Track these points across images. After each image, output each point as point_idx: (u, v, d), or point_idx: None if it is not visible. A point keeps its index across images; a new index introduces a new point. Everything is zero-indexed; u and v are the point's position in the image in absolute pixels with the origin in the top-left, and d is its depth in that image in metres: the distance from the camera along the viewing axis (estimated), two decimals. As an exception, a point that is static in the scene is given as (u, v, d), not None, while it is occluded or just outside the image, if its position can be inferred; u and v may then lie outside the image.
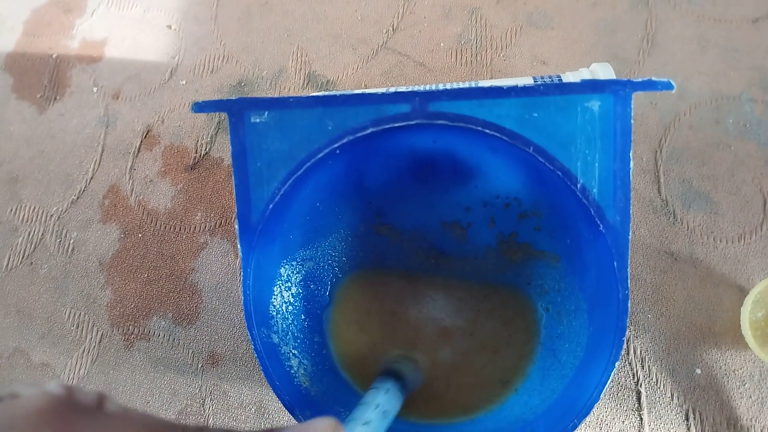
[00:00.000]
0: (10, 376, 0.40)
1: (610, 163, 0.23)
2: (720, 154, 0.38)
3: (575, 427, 0.25)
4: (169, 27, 0.48)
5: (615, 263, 0.24)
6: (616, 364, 0.24)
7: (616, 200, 0.23)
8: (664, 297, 0.36)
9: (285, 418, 0.36)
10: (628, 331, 0.35)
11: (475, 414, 0.31)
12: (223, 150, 0.43)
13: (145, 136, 0.44)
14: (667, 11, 0.42)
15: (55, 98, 0.47)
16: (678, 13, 0.42)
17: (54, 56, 0.48)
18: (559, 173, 0.24)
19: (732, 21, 0.41)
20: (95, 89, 0.47)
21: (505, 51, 0.43)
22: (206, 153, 0.43)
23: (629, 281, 0.36)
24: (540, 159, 0.24)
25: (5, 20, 0.51)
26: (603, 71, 0.34)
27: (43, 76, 0.48)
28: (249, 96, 0.43)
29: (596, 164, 0.23)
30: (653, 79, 0.22)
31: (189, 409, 0.37)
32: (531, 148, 0.24)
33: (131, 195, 0.43)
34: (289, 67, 0.45)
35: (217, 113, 0.44)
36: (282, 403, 0.28)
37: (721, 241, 0.36)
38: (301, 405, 0.29)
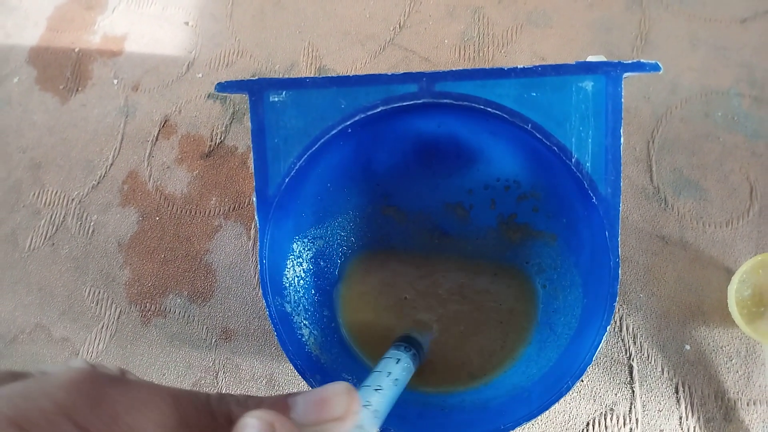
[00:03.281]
0: (31, 350, 0.42)
1: (602, 139, 0.25)
2: (709, 144, 0.40)
3: (569, 388, 0.27)
4: (187, 23, 0.50)
5: (606, 233, 0.26)
6: (608, 328, 0.26)
7: (607, 174, 0.25)
8: (656, 278, 0.38)
9: (295, 389, 0.38)
10: (621, 309, 0.37)
11: (477, 384, 0.33)
12: (237, 139, 0.45)
13: (163, 126, 0.47)
14: (659, 11, 0.44)
15: (77, 90, 0.49)
16: (670, 13, 0.44)
17: (76, 50, 0.51)
18: (555, 149, 0.26)
19: (721, 21, 0.43)
20: (116, 81, 0.49)
21: (506, 48, 0.45)
22: (221, 141, 0.45)
23: (623, 263, 0.38)
24: (537, 135, 0.26)
25: (29, 16, 0.53)
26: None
27: (65, 69, 0.50)
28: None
29: (589, 140, 0.25)
30: (642, 61, 0.24)
31: (203, 381, 0.39)
32: (529, 125, 0.26)
33: (149, 180, 0.45)
34: (301, 61, 0.47)
35: (232, 105, 0.46)
36: (294, 367, 0.30)
37: (709, 225, 0.38)
38: (312, 370, 0.30)
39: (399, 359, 0.28)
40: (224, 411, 0.17)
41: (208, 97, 0.47)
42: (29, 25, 0.53)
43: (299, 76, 0.47)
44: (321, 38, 0.48)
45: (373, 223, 0.37)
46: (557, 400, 0.27)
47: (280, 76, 0.47)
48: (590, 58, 0.37)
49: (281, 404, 0.18)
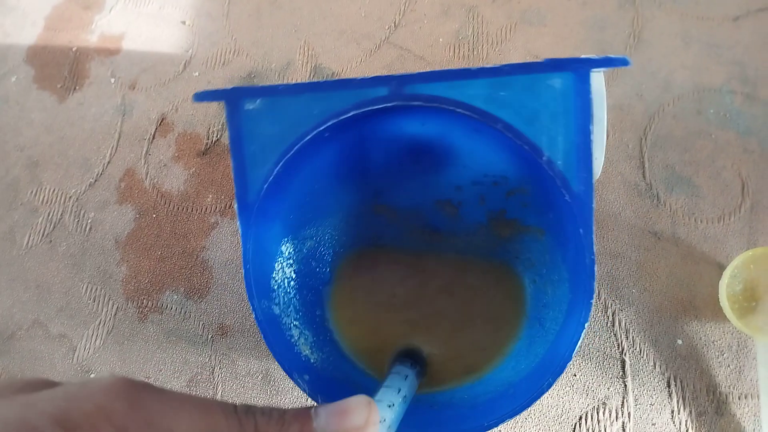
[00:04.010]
0: (29, 347, 0.42)
1: (572, 136, 0.25)
2: (701, 141, 0.41)
3: (550, 385, 0.27)
4: (183, 23, 0.50)
5: (581, 230, 0.26)
6: (585, 325, 0.26)
7: (579, 171, 0.25)
8: (648, 273, 0.38)
9: (290, 386, 0.39)
10: (613, 304, 0.38)
11: (470, 379, 0.33)
12: (234, 137, 0.45)
13: (160, 124, 0.47)
14: (652, 10, 0.45)
15: (75, 88, 0.50)
16: (663, 11, 0.45)
17: (74, 49, 0.51)
18: (527, 147, 0.26)
19: (714, 19, 0.44)
20: (113, 80, 0.49)
21: (500, 46, 0.45)
22: (217, 140, 0.46)
23: (616, 258, 0.38)
24: (508, 135, 0.26)
25: (27, 15, 0.53)
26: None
27: (63, 68, 0.51)
28: (254, 85, 0.46)
29: (560, 138, 0.25)
30: (610, 56, 0.25)
31: (199, 377, 0.39)
32: (499, 125, 0.26)
33: (146, 178, 0.45)
34: (297, 60, 0.47)
35: (228, 103, 0.47)
36: (282, 367, 0.30)
37: (701, 221, 0.39)
38: (300, 370, 0.30)
39: (407, 375, 0.29)
40: (251, 421, 0.18)
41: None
42: (27, 25, 0.53)
43: (295, 73, 0.47)
44: (317, 37, 0.48)
45: (364, 221, 0.38)
46: (539, 396, 0.27)
47: (276, 74, 0.47)
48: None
49: (304, 416, 0.19)
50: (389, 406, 0.25)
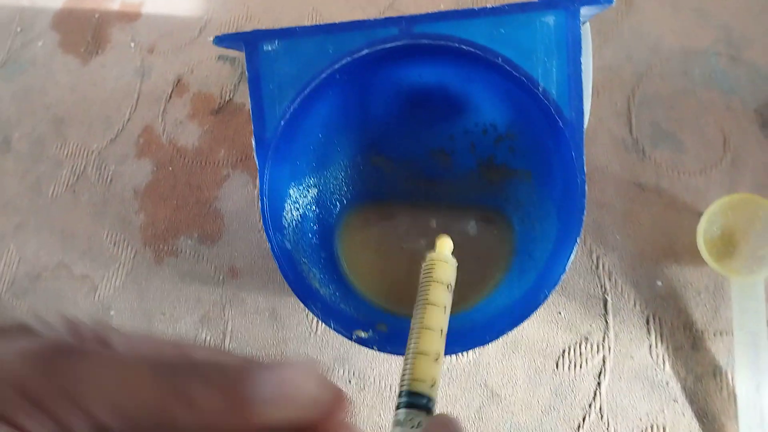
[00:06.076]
0: (54, 286, 0.45)
1: (565, 68, 0.28)
2: (687, 100, 0.43)
3: (546, 297, 0.30)
4: (199, -9, 0.53)
5: (573, 153, 0.29)
6: (578, 239, 0.29)
7: (571, 99, 0.28)
8: (632, 221, 0.40)
9: (294, 322, 0.41)
10: (598, 249, 0.40)
11: (466, 307, 0.36)
12: (245, 97, 0.48)
13: (176, 85, 0.50)
14: (644, -23, 0.47)
15: (97, 52, 0.53)
16: (654, -21, 0.47)
17: (96, 16, 0.54)
18: (524, 79, 0.28)
19: (702, -14, 0.46)
20: (132, 44, 0.52)
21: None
22: (230, 99, 0.49)
23: (602, 208, 0.40)
24: (507, 67, 0.28)
25: (53, -14, 0.57)
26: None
27: (86, 33, 0.54)
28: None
29: (554, 70, 0.28)
30: None
31: (211, 314, 0.42)
32: (500, 59, 0.29)
33: (163, 135, 0.48)
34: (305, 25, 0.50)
35: (240, 66, 0.50)
36: (296, 295, 0.32)
37: (684, 174, 0.41)
38: (313, 299, 0.33)
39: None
40: (184, 390, 0.14)
41: (218, 58, 0.50)
42: (53, -6, 0.56)
43: (303, 39, 0.50)
44: (324, 4, 0.51)
45: (363, 172, 0.40)
46: (536, 308, 0.29)
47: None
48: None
49: (244, 385, 0.15)
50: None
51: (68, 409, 0.13)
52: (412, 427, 0.20)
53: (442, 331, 0.24)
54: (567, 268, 0.29)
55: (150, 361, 0.15)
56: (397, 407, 0.21)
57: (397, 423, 0.21)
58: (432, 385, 0.22)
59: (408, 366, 0.22)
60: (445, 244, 0.25)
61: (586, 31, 0.35)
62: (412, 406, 0.21)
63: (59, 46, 0.54)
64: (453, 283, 0.25)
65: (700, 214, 0.40)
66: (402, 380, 0.22)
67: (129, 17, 0.54)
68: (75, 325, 0.17)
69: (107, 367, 0.15)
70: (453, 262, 0.24)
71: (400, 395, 0.21)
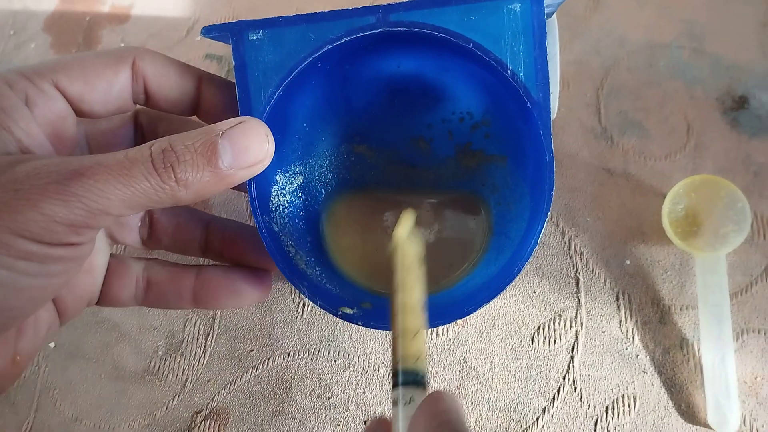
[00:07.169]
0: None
1: (531, 51, 0.30)
2: (652, 90, 0.45)
3: (519, 270, 0.31)
4: (187, -6, 0.55)
5: (541, 132, 0.31)
6: (548, 213, 0.31)
7: (538, 81, 0.30)
8: (601, 204, 0.42)
9: (281, 306, 0.43)
10: (570, 231, 0.42)
11: (443, 288, 0.38)
12: (232, 93, 0.50)
13: (165, 83, 0.52)
14: (611, -24, 0.49)
15: (88, 53, 0.54)
16: (621, -22, 0.49)
17: (87, 18, 0.56)
18: (494, 63, 0.30)
19: (666, -16, 0.48)
20: (122, 45, 0.54)
21: None
22: (217, 96, 0.50)
23: (573, 192, 0.43)
24: (478, 52, 0.31)
25: (45, -10, 0.58)
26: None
27: (77, 35, 0.56)
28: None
29: (521, 53, 0.30)
30: None
31: (200, 300, 0.44)
32: (470, 44, 0.31)
33: (153, 130, 0.50)
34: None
35: (227, 63, 0.52)
36: (284, 274, 0.34)
37: (650, 159, 0.43)
38: (300, 278, 0.35)
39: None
40: (169, 171, 0.23)
41: (206, 57, 0.52)
42: (44, -2, 0.58)
43: (288, 38, 0.52)
44: (309, 4, 0.53)
45: (347, 160, 0.42)
46: (511, 281, 0.31)
47: (271, 38, 0.52)
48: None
49: (211, 152, 0.25)
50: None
51: None
52: (405, 404, 0.22)
53: (419, 305, 0.25)
54: (538, 242, 0.31)
55: (131, 160, 0.23)
56: (393, 388, 0.23)
57: (394, 404, 0.23)
58: (417, 359, 0.24)
59: (394, 347, 0.24)
60: (403, 223, 0.26)
61: (553, 22, 0.37)
62: (405, 384, 0.23)
63: (51, 47, 0.56)
64: (421, 254, 0.27)
65: (664, 196, 0.42)
66: (393, 362, 0.24)
67: (119, 19, 0.55)
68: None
69: (110, 179, 0.21)
70: (414, 238, 0.26)
71: (395, 375, 0.23)
